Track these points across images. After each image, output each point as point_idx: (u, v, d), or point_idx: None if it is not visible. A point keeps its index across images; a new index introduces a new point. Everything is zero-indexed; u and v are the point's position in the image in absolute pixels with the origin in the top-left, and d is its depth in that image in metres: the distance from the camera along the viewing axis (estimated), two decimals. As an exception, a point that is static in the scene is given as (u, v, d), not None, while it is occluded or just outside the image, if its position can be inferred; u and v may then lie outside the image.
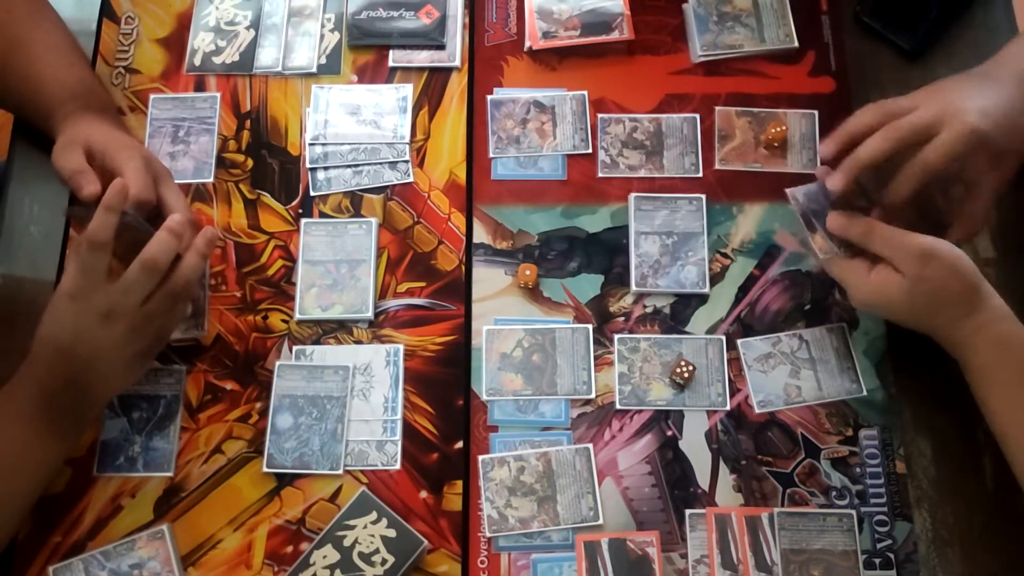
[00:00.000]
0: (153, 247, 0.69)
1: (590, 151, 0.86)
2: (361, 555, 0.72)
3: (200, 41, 0.90)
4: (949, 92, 0.72)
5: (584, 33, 0.89)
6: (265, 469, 0.76)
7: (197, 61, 0.90)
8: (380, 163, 0.86)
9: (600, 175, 0.85)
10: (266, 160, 0.86)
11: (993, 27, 0.91)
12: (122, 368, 0.71)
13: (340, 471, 0.75)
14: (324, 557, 0.72)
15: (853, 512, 0.74)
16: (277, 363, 0.79)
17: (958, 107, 0.70)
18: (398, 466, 0.76)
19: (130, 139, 0.81)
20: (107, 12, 0.92)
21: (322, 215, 0.84)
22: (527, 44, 0.90)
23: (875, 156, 0.71)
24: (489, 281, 0.82)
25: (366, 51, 0.90)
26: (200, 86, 0.89)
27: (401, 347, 0.79)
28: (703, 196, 0.84)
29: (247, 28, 0.91)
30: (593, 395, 0.78)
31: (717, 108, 0.87)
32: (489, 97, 0.88)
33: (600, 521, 0.74)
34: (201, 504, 0.75)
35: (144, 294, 0.70)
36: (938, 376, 0.78)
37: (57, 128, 0.79)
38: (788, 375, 0.78)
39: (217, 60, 0.89)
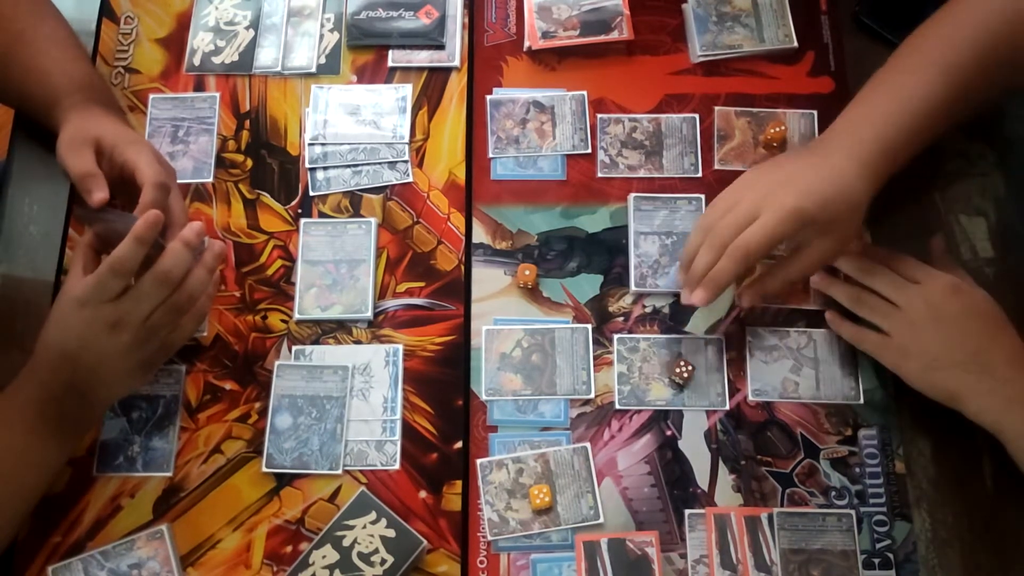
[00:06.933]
0: (168, 260, 0.70)
1: (589, 151, 0.86)
2: (360, 555, 0.72)
3: (199, 41, 0.90)
4: (767, 176, 0.73)
5: (584, 33, 0.89)
6: (264, 469, 0.76)
7: (196, 61, 0.90)
8: (379, 163, 0.86)
9: (599, 175, 0.85)
10: (265, 160, 0.86)
11: (992, 27, 0.91)
12: (124, 375, 0.71)
13: (339, 471, 0.75)
14: (323, 557, 0.72)
15: (852, 512, 0.74)
16: (276, 363, 0.79)
17: (775, 191, 0.70)
18: (397, 466, 0.76)
19: (137, 135, 0.82)
20: (106, 12, 0.92)
21: (321, 215, 0.84)
22: (526, 44, 0.90)
23: (706, 267, 0.72)
24: (488, 281, 0.82)
25: (365, 51, 0.90)
26: (199, 86, 0.89)
27: (400, 347, 0.79)
28: (703, 196, 0.83)
29: (246, 28, 0.91)
30: (592, 395, 0.78)
31: (716, 108, 0.87)
32: (488, 97, 0.88)
33: (601, 520, 0.74)
34: (200, 504, 0.75)
35: (154, 305, 0.70)
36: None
37: (61, 118, 0.78)
38: (789, 370, 0.78)
39: (216, 60, 0.89)
